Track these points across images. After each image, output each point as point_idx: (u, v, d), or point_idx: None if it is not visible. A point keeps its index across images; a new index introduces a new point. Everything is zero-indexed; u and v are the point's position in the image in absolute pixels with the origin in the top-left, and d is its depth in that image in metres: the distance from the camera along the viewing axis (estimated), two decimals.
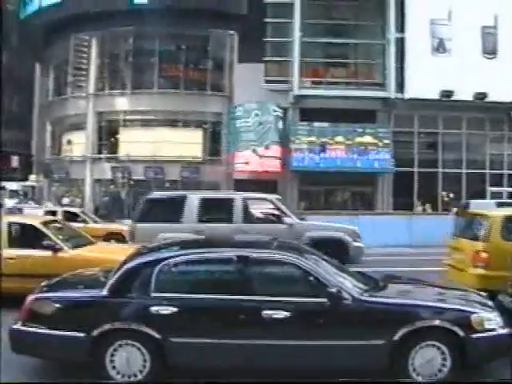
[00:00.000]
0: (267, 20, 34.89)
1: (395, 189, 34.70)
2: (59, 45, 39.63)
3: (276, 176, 33.57)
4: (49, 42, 40.53)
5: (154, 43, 37.21)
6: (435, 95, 33.57)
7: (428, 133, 35.99)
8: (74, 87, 39.35)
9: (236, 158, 33.85)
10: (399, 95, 34.09)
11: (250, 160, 33.30)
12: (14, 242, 11.09)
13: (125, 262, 7.22)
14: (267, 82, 34.55)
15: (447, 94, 33.64)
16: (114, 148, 37.25)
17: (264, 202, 15.72)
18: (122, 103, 37.10)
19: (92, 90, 38.00)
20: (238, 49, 35.71)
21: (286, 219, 14.65)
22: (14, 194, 40.84)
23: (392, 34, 34.36)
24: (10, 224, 11.35)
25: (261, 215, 15.56)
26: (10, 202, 34.53)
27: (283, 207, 15.27)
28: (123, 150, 36.38)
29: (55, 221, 13.49)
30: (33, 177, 43.23)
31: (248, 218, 14.69)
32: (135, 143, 35.92)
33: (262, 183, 31.20)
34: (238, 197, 14.95)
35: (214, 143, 36.38)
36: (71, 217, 22.42)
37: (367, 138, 33.59)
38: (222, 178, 34.82)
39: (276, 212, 15.07)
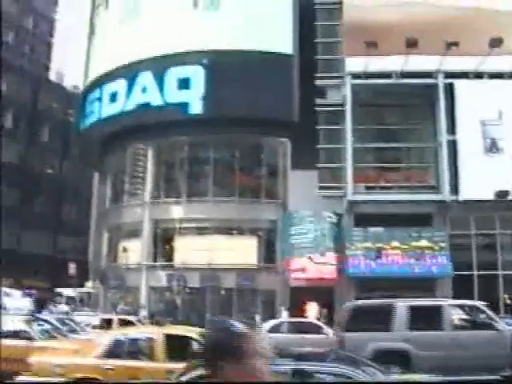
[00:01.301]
0: (319, 127, 35.42)
1: (455, 293, 33.75)
2: (117, 154, 41.06)
3: (332, 283, 33.13)
4: (107, 151, 41.93)
5: (209, 151, 38.16)
6: (490, 196, 32.97)
7: (485, 234, 35.35)
8: (130, 195, 40.45)
9: (291, 264, 33.66)
10: (454, 197, 33.66)
11: (305, 267, 33.15)
12: (171, 355, 10.91)
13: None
14: (321, 188, 34.59)
15: (503, 193, 33.07)
16: (169, 255, 37.63)
17: (472, 308, 15.48)
18: (177, 211, 37.69)
19: (148, 197, 38.84)
20: (291, 155, 36.28)
21: (497, 325, 14.42)
22: (70, 300, 41.37)
23: (444, 136, 34.35)
24: (166, 336, 11.24)
25: (467, 322, 15.37)
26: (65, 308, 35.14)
27: (491, 313, 15.09)
28: (178, 258, 36.72)
29: None
30: (89, 283, 43.72)
31: (457, 325, 14.66)
32: (190, 251, 36.26)
33: (318, 290, 30.93)
34: (446, 304, 14.85)
35: (269, 250, 36.42)
36: (126, 325, 22.36)
37: (423, 242, 33.15)
38: (277, 285, 34.67)
39: (483, 318, 14.87)
